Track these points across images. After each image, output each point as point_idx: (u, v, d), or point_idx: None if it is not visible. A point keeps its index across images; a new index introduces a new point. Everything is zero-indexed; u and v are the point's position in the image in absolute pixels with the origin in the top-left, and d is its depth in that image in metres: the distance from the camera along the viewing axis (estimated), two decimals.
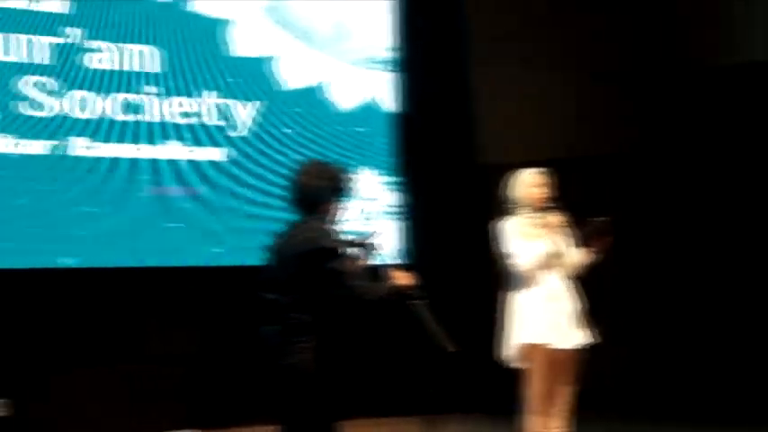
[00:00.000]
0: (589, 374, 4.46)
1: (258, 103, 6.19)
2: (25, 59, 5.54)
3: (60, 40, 5.63)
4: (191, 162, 5.97)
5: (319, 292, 3.65)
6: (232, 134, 6.10)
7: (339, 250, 3.71)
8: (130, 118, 5.81)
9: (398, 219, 6.59)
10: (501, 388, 4.74)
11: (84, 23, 5.69)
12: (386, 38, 6.67)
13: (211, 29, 6.09)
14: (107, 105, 5.74)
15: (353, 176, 3.89)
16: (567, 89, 6.98)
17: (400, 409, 5.60)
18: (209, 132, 6.05)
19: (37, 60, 5.57)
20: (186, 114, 5.98)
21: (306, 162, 4.00)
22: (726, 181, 6.94)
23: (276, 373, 3.59)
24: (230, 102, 6.11)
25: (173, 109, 5.94)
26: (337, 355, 3.67)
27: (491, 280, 4.77)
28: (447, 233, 6.71)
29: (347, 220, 6.27)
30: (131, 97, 5.82)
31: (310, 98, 6.38)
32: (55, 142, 5.58)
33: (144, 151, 5.83)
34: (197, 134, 6.00)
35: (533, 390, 4.43)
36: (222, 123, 6.08)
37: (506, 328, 4.50)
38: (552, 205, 4.53)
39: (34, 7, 5.57)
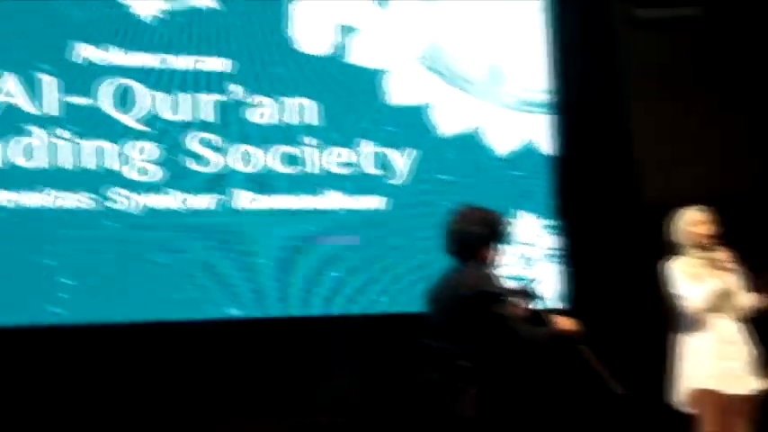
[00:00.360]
0: (763, 422, 4.29)
1: (415, 150, 6.24)
2: (191, 117, 5.74)
3: (223, 98, 5.82)
4: (350, 211, 6.05)
5: (482, 338, 3.62)
6: (390, 182, 6.16)
7: (502, 295, 3.68)
8: (291, 170, 5.94)
9: (559, 262, 6.50)
10: None
11: (245, 80, 5.87)
12: (542, 80, 6.63)
13: (367, 79, 6.18)
14: (269, 158, 5.89)
15: (511, 221, 3.87)
16: (727, 127, 6.82)
17: None
18: (368, 181, 6.12)
19: (202, 117, 5.77)
20: (345, 164, 6.08)
21: (462, 208, 3.99)
22: None
23: (439, 420, 3.58)
24: (387, 150, 6.18)
25: (332, 159, 6.04)
26: (501, 402, 3.63)
27: (659, 322, 4.66)
28: (608, 275, 6.58)
29: (506, 265, 6.24)
30: (292, 150, 5.96)
31: (466, 144, 6.39)
32: (220, 196, 5.76)
33: (305, 202, 5.94)
34: (356, 184, 6.09)
35: None
36: (380, 172, 6.15)
37: (676, 372, 4.38)
38: (718, 243, 4.41)
39: (200, 67, 5.78)
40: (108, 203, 5.50)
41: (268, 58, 5.95)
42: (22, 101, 5.37)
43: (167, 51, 5.70)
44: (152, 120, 5.64)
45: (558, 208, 6.54)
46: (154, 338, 5.55)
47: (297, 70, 6.01)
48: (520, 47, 6.61)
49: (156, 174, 5.62)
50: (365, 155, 6.12)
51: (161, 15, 5.70)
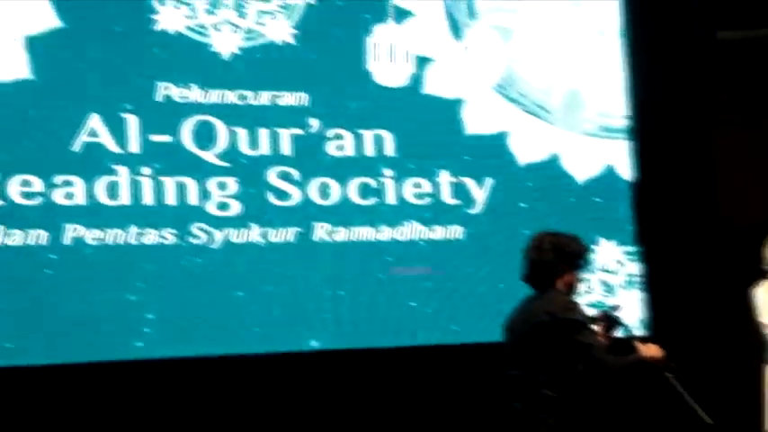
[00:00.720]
0: None
1: (492, 179, 6.22)
2: (270, 152, 5.81)
3: (301, 131, 5.88)
4: (429, 241, 6.05)
5: (565, 367, 3.58)
6: (468, 211, 6.15)
7: (586, 323, 3.64)
8: (369, 201, 5.97)
9: (640, 289, 6.42)
10: None
11: (322, 113, 5.93)
12: (620, 105, 6.57)
13: (444, 109, 6.19)
14: (346, 190, 5.93)
15: (590, 247, 3.83)
16: None
17: None
18: (446, 211, 6.12)
19: (280, 152, 5.84)
20: (422, 195, 6.09)
21: (540, 234, 3.95)
22: None
23: None
24: (465, 179, 6.18)
25: (409, 190, 6.06)
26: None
27: (747, 349, 4.57)
28: (690, 302, 6.48)
29: (587, 293, 6.18)
30: (369, 181, 5.99)
31: (544, 171, 6.35)
32: (299, 229, 5.81)
33: (383, 233, 5.96)
34: (433, 213, 6.09)
35: None
36: (458, 202, 6.14)
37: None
38: None
39: (277, 101, 5.85)
40: (190, 239, 5.59)
41: (345, 90, 6.00)
42: (107, 139, 5.49)
43: (246, 87, 5.79)
44: (232, 155, 5.72)
45: (638, 233, 6.46)
46: (235, 371, 5.60)
47: (373, 102, 6.05)
48: (598, 72, 6.56)
49: (236, 208, 5.69)
50: (443, 185, 6.12)
51: (239, 52, 5.79)
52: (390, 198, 6.01)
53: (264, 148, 5.80)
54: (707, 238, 6.60)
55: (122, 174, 5.51)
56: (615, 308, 3.99)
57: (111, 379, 5.40)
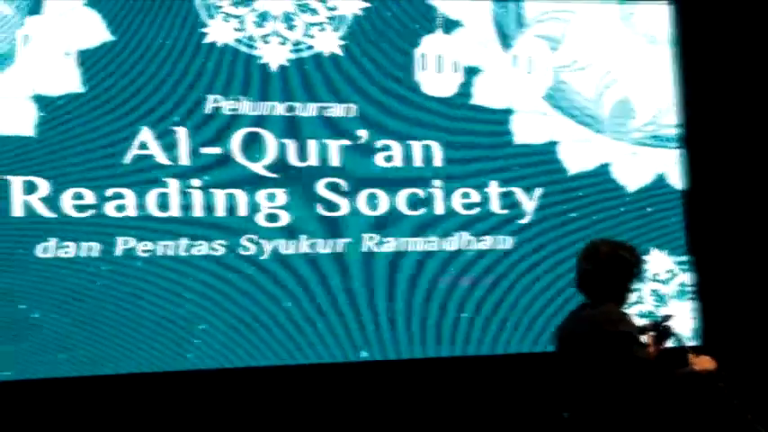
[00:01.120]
0: None
1: (542, 189, 6.19)
2: (318, 163, 5.83)
3: (349, 142, 5.90)
4: (478, 252, 6.03)
5: (614, 379, 3.55)
6: (518, 222, 6.13)
7: (640, 337, 3.61)
8: (418, 212, 5.97)
9: (692, 299, 6.35)
10: None
11: (370, 124, 5.94)
12: (671, 114, 6.51)
13: (493, 120, 6.18)
14: (395, 201, 5.93)
15: (643, 257, 3.79)
16: None
17: None
18: (495, 221, 6.10)
19: (328, 163, 5.85)
20: (471, 206, 6.07)
21: (592, 244, 3.92)
22: None
23: None
24: (514, 189, 6.15)
25: (458, 200, 6.04)
26: None
27: None
28: (743, 311, 6.40)
29: (638, 302, 6.13)
30: (418, 191, 5.99)
31: (595, 180, 6.31)
32: (348, 240, 5.81)
33: (432, 243, 5.95)
34: (483, 224, 6.07)
35: None
36: (507, 212, 6.12)
37: None
38: None
39: (325, 113, 5.87)
40: (239, 250, 5.62)
41: (393, 101, 6.00)
42: (157, 152, 5.55)
43: (294, 99, 5.82)
44: (281, 166, 5.75)
45: (690, 243, 6.40)
46: (284, 381, 5.63)
47: (422, 112, 6.05)
48: (648, 80, 6.51)
49: (285, 219, 5.71)
50: (492, 195, 6.10)
51: (287, 64, 5.83)
52: (439, 208, 6.00)
53: (313, 159, 5.82)
54: (758, 247, 6.52)
55: (172, 186, 5.56)
56: (667, 318, 3.94)
57: (163, 390, 5.45)
